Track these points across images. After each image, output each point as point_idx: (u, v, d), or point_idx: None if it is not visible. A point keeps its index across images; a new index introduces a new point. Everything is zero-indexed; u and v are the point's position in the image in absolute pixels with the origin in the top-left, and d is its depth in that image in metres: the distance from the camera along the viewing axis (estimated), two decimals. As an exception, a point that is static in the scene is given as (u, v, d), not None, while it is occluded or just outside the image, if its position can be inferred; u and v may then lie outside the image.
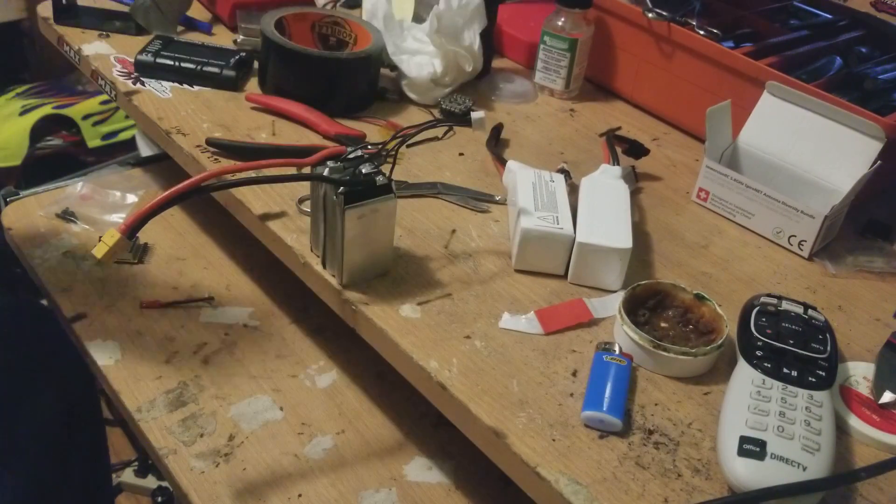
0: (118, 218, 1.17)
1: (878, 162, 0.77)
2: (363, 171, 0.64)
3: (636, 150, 0.89)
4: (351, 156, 0.66)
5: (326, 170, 0.64)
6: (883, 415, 0.61)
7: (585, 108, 1.01)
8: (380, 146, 0.68)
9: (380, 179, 0.64)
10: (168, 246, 1.13)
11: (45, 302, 1.10)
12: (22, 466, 0.88)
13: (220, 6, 1.06)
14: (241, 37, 0.99)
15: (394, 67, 0.95)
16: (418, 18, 1.00)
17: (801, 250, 0.79)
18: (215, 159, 0.81)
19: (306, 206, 0.75)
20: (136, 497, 1.37)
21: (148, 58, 0.92)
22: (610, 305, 0.69)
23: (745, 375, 0.59)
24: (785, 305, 0.65)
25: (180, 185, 0.62)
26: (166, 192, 0.62)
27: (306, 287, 0.72)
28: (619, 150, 0.85)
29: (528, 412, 0.58)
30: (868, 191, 0.79)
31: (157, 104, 0.89)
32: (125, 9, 1.04)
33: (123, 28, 1.02)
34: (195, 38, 1.01)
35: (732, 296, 0.73)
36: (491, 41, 1.01)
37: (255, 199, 0.76)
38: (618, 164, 0.81)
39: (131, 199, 1.20)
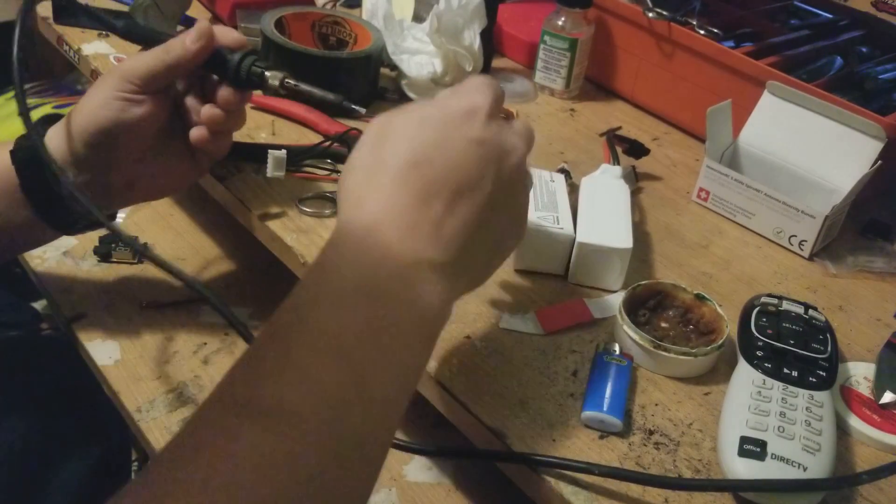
0: (117, 218, 1.17)
1: (879, 162, 0.77)
2: None
3: (636, 149, 0.89)
4: None
5: None
6: (883, 415, 0.61)
7: (586, 107, 1.01)
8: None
9: None
10: (168, 246, 1.13)
11: (44, 301, 1.10)
12: None
13: (220, 6, 1.05)
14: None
15: (394, 67, 0.94)
16: (418, 18, 1.00)
17: (802, 250, 0.79)
18: (215, 159, 0.80)
19: (306, 206, 0.75)
20: (136, 497, 1.37)
21: (148, 57, 0.92)
22: (610, 305, 0.68)
23: (745, 376, 0.59)
24: (785, 305, 0.65)
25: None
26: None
27: (306, 287, 0.72)
28: (619, 149, 0.85)
29: (529, 412, 0.58)
30: (869, 191, 0.79)
31: (156, 104, 0.88)
32: (125, 8, 1.04)
33: (123, 28, 1.01)
34: (195, 37, 1.01)
35: (733, 296, 0.72)
36: (491, 41, 1.01)
37: (255, 199, 0.76)
38: (618, 164, 0.81)
39: (131, 198, 1.20)
